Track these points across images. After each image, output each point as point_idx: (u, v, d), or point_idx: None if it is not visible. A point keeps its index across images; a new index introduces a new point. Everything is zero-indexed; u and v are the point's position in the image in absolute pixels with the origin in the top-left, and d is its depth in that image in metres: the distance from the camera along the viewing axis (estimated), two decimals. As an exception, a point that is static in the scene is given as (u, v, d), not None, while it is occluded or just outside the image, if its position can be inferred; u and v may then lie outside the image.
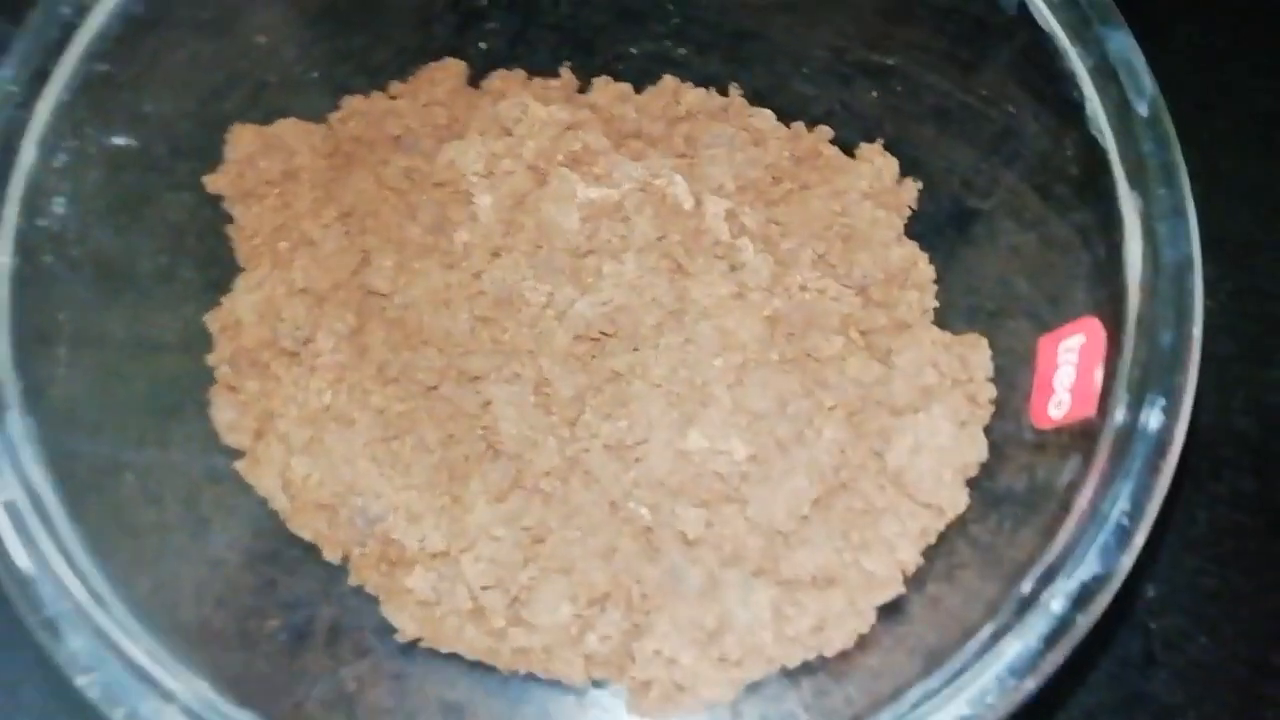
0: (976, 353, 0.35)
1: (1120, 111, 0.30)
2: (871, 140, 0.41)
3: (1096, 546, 0.25)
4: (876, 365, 0.36)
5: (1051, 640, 0.25)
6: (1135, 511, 0.26)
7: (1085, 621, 0.25)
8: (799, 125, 0.42)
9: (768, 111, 0.43)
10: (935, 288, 0.38)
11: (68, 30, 0.31)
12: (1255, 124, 0.49)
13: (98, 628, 0.25)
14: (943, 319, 0.38)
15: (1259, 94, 0.49)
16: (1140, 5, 0.34)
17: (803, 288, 0.39)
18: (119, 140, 0.34)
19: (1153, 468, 0.26)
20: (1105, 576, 0.25)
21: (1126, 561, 0.25)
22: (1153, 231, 0.28)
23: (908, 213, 0.40)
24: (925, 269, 0.39)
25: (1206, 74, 0.50)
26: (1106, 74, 0.30)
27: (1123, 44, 0.30)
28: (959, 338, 0.36)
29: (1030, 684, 0.25)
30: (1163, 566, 0.42)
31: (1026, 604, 0.25)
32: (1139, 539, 0.25)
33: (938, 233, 0.39)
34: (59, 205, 0.31)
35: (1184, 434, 0.26)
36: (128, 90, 0.33)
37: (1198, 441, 0.44)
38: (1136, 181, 0.29)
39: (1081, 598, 0.25)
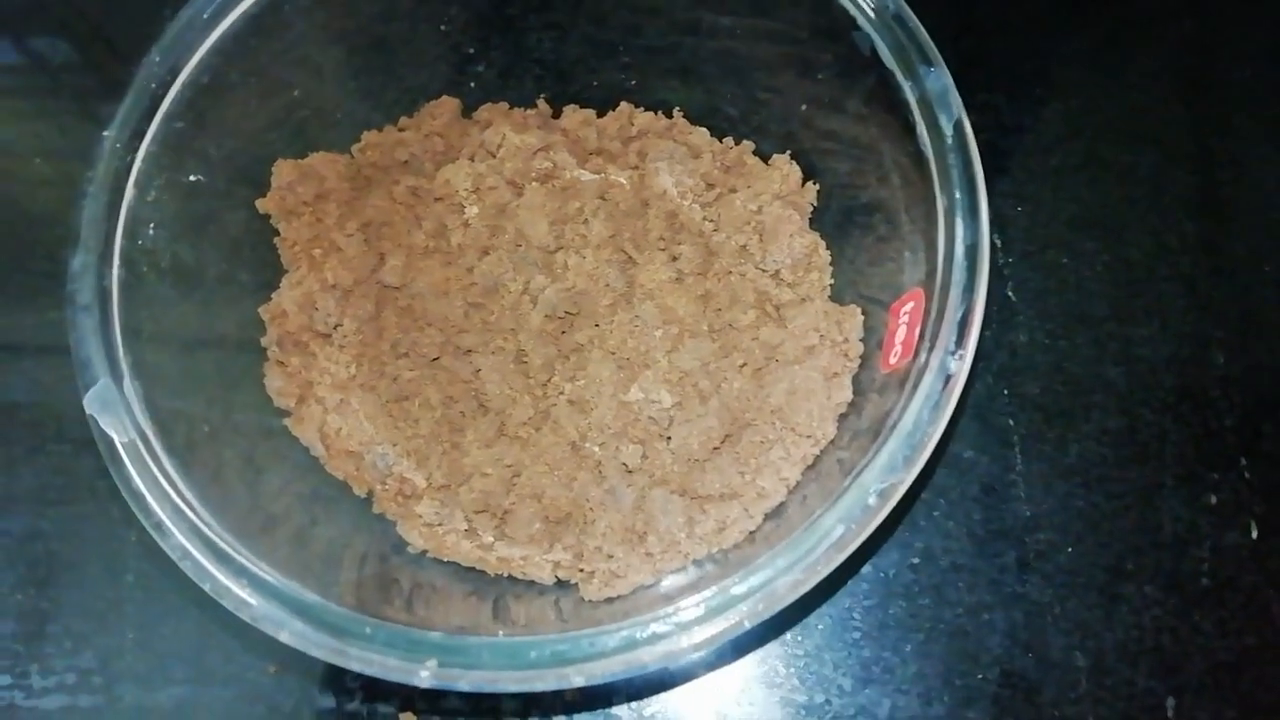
0: (851, 319, 0.43)
1: (935, 133, 0.38)
2: (782, 152, 0.48)
3: (899, 455, 0.34)
4: (780, 331, 0.45)
5: (863, 522, 0.34)
6: (928, 430, 0.34)
7: (886, 508, 0.34)
8: (728, 140, 0.50)
9: (703, 129, 0.50)
10: (831, 269, 0.46)
11: (155, 100, 0.40)
12: (1129, 118, 0.56)
13: (192, 525, 0.35)
14: (837, 294, 0.46)
15: (1134, 92, 0.57)
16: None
17: (728, 272, 0.47)
18: (192, 177, 0.42)
19: (942, 397, 0.35)
20: (904, 478, 0.34)
21: (918, 466, 0.34)
22: (953, 225, 0.37)
23: (809, 210, 0.47)
24: (823, 254, 0.46)
25: (1094, 76, 0.58)
26: (926, 103, 0.38)
27: (938, 80, 0.38)
28: (840, 308, 0.44)
29: (846, 553, 0.34)
30: (1037, 491, 0.49)
31: (850, 497, 0.34)
32: (928, 451, 0.34)
33: (832, 225, 0.47)
34: (151, 229, 0.40)
35: (967, 374, 0.35)
36: (198, 139, 0.42)
37: (1073, 388, 0.52)
38: (945, 187, 0.37)
39: (885, 492, 0.34)
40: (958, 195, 0.37)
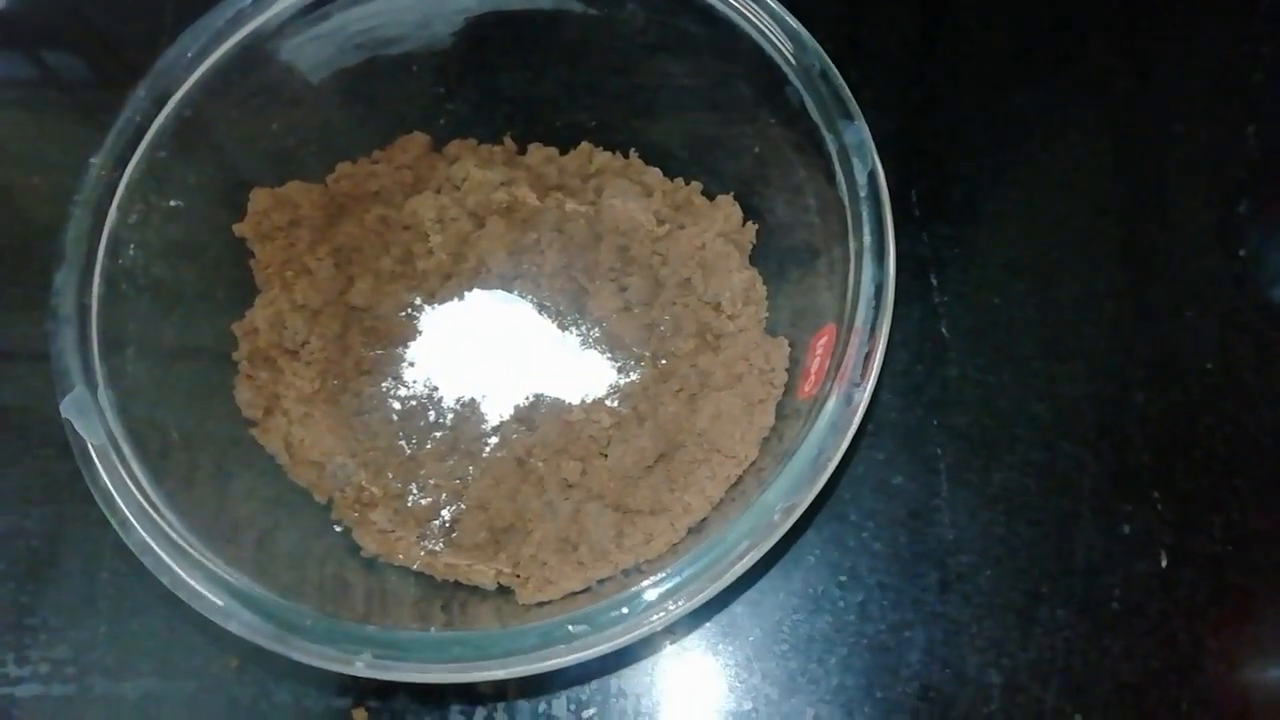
0: (778, 350, 0.47)
1: (850, 181, 0.41)
2: (726, 192, 0.51)
3: (803, 476, 0.38)
4: (715, 359, 0.48)
5: (766, 536, 0.37)
6: (826, 454, 0.38)
7: (788, 524, 0.37)
8: (679, 180, 0.53)
9: (656, 169, 0.53)
10: (767, 303, 0.49)
11: (140, 130, 0.43)
12: (1064, 170, 0.59)
13: (154, 524, 0.38)
14: (771, 326, 0.49)
15: (1070, 145, 0.60)
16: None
17: (673, 303, 0.50)
18: (173, 202, 0.45)
19: (841, 425, 0.38)
20: (805, 496, 0.37)
21: (818, 486, 0.37)
22: (862, 267, 0.40)
23: (749, 247, 0.51)
24: (760, 289, 0.50)
25: (1034, 130, 0.61)
26: (845, 154, 0.41)
27: (856, 133, 0.41)
28: (770, 339, 0.48)
29: (748, 563, 0.37)
30: (961, 517, 0.52)
31: (754, 513, 0.37)
32: (827, 473, 0.37)
33: (769, 262, 0.50)
34: (132, 250, 0.42)
35: (866, 405, 0.38)
36: (179, 167, 0.44)
37: (999, 421, 0.55)
38: (856, 231, 0.40)
39: (787, 509, 0.37)
40: (868, 239, 0.40)
